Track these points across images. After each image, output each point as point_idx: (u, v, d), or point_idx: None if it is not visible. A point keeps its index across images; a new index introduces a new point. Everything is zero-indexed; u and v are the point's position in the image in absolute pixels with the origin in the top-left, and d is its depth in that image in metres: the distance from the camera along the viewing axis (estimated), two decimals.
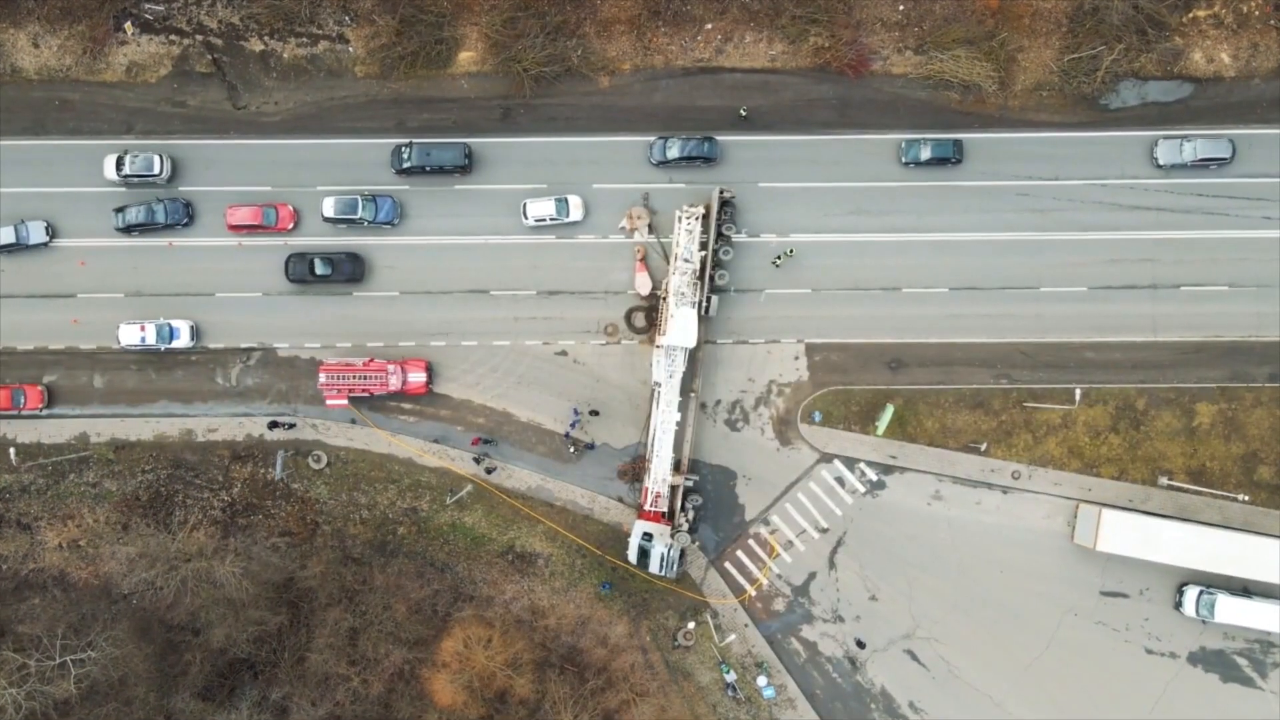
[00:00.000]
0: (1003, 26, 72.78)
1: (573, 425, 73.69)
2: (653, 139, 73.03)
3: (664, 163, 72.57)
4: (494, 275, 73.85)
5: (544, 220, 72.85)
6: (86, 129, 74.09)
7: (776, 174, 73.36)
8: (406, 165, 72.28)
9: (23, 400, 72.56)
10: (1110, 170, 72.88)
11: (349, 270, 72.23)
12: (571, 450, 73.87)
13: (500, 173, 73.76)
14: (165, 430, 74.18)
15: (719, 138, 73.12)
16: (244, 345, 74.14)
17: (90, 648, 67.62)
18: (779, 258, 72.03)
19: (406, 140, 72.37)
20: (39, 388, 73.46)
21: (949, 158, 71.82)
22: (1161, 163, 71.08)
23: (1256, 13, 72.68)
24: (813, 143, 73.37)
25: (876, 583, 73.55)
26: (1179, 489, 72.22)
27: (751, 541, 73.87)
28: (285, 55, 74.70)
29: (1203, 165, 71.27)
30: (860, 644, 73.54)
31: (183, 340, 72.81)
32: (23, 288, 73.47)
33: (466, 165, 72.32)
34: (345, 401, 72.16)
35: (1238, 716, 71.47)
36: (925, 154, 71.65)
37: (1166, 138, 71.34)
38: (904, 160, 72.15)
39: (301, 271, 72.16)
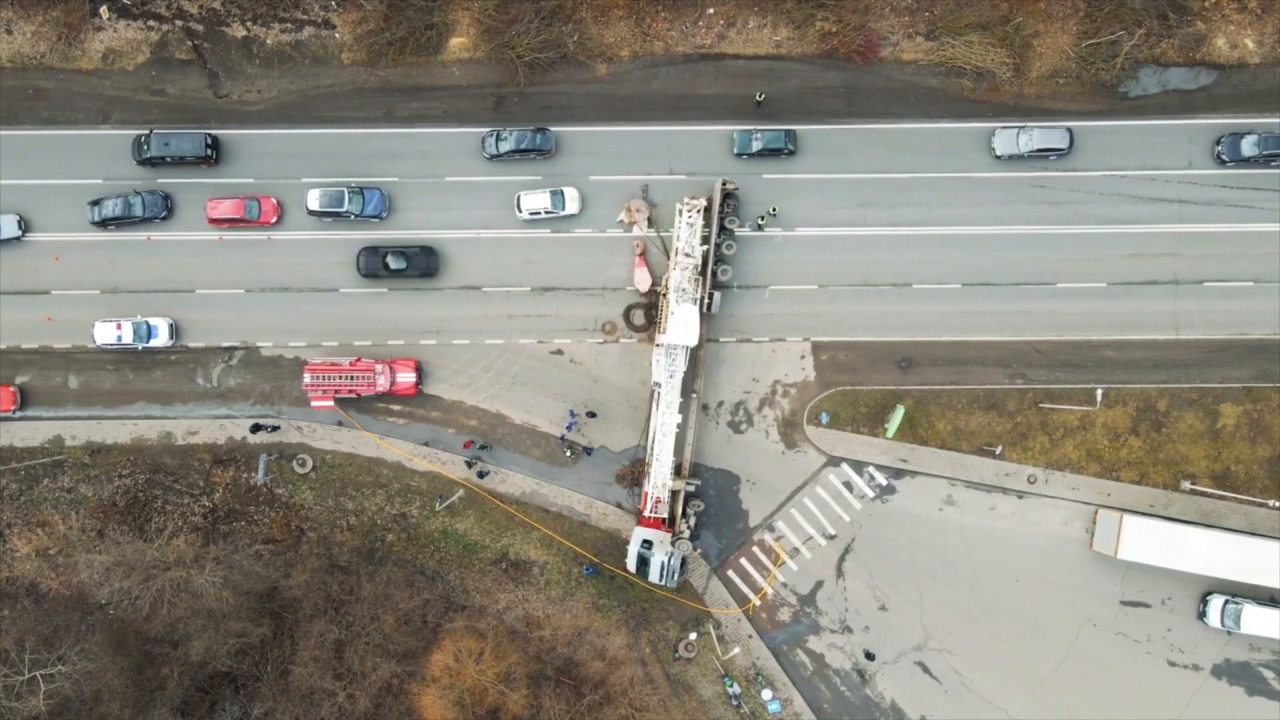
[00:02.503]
0: (1018, 11, 70.90)
1: (569, 428, 71.86)
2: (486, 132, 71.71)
3: (496, 157, 71.10)
4: (487, 271, 72.23)
5: (539, 213, 71.26)
6: (62, 118, 72.31)
7: (781, 165, 71.63)
8: (146, 156, 70.31)
9: None
10: (1130, 161, 71.15)
11: (425, 264, 70.55)
12: (568, 454, 72.03)
13: (493, 164, 72.00)
14: (143, 433, 72.45)
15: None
16: (225, 344, 72.53)
17: (61, 661, 65.76)
18: (762, 218, 70.35)
19: (148, 129, 70.68)
20: (11, 389, 71.63)
21: (781, 149, 69.86)
22: (999, 154, 69.80)
23: None
24: (819, 132, 71.80)
25: (886, 592, 71.74)
26: (1202, 494, 70.51)
27: (756, 549, 72.39)
28: (268, 41, 72.87)
29: (1040, 156, 69.72)
30: (869, 656, 71.90)
31: (161, 339, 71.02)
32: None
33: (210, 156, 70.36)
34: (331, 403, 70.53)
35: None
36: (756, 146, 69.99)
37: (1004, 128, 70.07)
38: (735, 152, 70.27)
39: (375, 266, 70.33)
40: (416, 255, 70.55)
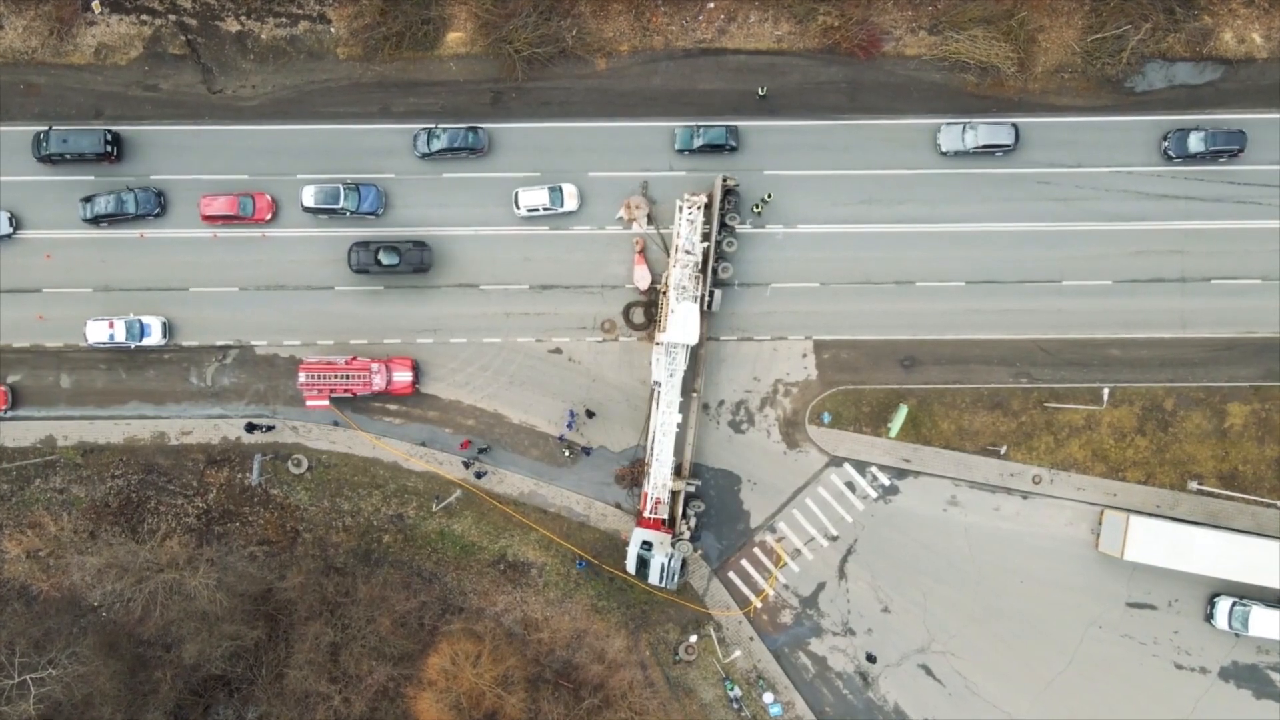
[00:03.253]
0: (1022, 5, 70.07)
1: (569, 427, 71.15)
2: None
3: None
4: (484, 268, 71.49)
5: (537, 210, 70.58)
6: (53, 114, 71.45)
7: (783, 161, 70.91)
8: (45, 153, 69.27)
9: None
10: (1136, 157, 70.44)
11: (418, 259, 69.40)
12: (566, 454, 71.33)
13: (491, 160, 71.43)
14: (136, 433, 71.71)
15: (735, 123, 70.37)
16: (219, 343, 71.80)
17: (52, 665, 64.96)
18: (757, 206, 69.70)
19: (46, 126, 69.72)
20: (2, 388, 70.86)
21: (723, 145, 69.18)
22: (944, 150, 69.25)
23: None
24: (821, 128, 71.03)
25: (889, 594, 71.06)
26: (1210, 494, 69.92)
27: (757, 550, 71.71)
28: (263, 36, 72.11)
29: (987, 152, 69.00)
30: (872, 658, 71.31)
31: (154, 338, 70.23)
32: None
33: (110, 153, 69.38)
34: (327, 402, 69.95)
35: None
36: (698, 142, 69.34)
37: (949, 124, 69.47)
38: (676, 148, 69.70)
39: (366, 261, 69.28)
40: (409, 250, 69.61)
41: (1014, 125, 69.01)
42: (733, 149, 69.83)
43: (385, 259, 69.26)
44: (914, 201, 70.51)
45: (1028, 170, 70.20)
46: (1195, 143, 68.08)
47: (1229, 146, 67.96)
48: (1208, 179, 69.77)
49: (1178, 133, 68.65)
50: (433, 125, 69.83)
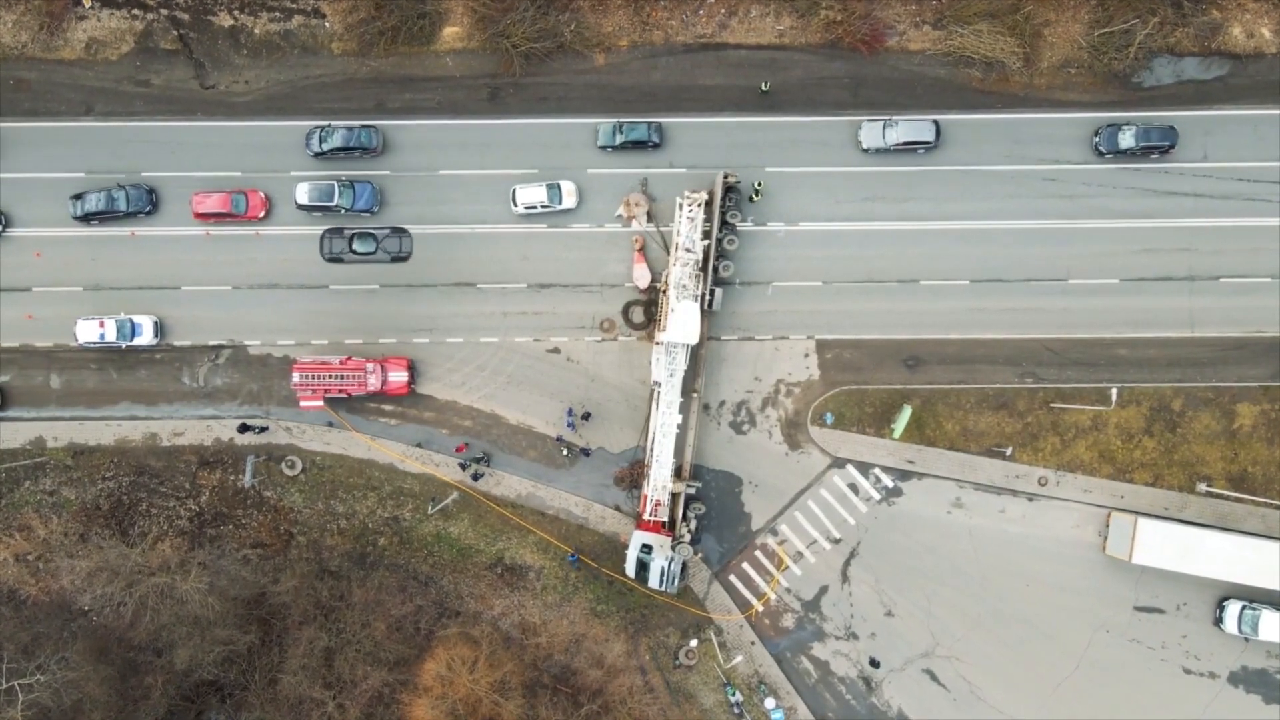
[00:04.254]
0: None
1: (568, 426, 70.52)
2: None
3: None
4: (481, 267, 70.84)
5: (535, 208, 69.91)
6: (43, 110, 70.98)
7: (785, 158, 70.25)
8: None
9: None
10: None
11: (396, 247, 68.06)
12: (564, 453, 70.57)
13: (487, 157, 70.71)
14: (127, 434, 71.08)
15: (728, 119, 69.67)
16: (212, 342, 71.19)
17: (40, 671, 64.25)
18: (756, 193, 69.09)
19: None
20: None
21: (645, 141, 68.73)
22: (865, 147, 68.59)
23: None
24: (824, 124, 70.35)
25: (893, 597, 70.36)
26: (1219, 496, 69.28)
27: (758, 553, 71.03)
28: (256, 31, 71.45)
29: (907, 149, 68.46)
30: (875, 663, 70.69)
31: (146, 337, 69.60)
32: None
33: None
34: (321, 403, 69.20)
35: None
36: (619, 139, 68.69)
37: (870, 121, 68.84)
38: (599, 145, 69.13)
39: (339, 249, 67.83)
40: (386, 237, 68.01)
41: (935, 122, 68.35)
42: (655, 145, 69.10)
43: (360, 246, 67.65)
44: (918, 199, 69.83)
45: (1034, 167, 69.50)
46: (1126, 138, 67.79)
47: (1160, 143, 67.67)
48: (1217, 176, 68.95)
49: (1109, 128, 68.25)
50: (325, 123, 68.91)
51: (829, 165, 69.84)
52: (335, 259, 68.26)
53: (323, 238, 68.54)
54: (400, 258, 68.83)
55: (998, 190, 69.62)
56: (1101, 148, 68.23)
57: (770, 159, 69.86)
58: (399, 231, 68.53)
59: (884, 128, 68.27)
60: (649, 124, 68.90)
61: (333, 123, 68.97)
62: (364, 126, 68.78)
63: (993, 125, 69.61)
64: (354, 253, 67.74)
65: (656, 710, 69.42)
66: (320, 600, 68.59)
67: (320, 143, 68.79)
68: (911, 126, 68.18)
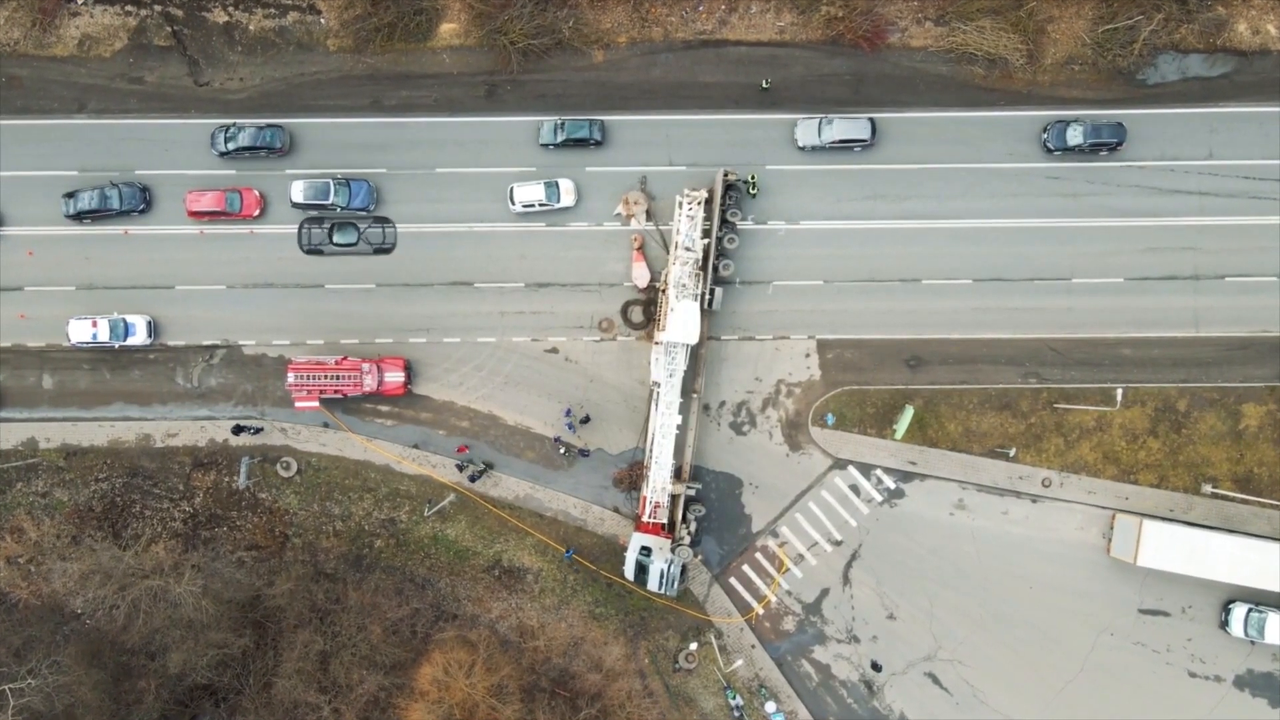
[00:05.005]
0: None
1: (567, 427, 69.89)
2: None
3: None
4: (478, 266, 70.35)
5: (533, 206, 69.40)
6: (36, 107, 70.52)
7: (785, 155, 69.59)
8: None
9: None
10: (1148, 151, 69.20)
11: (379, 237, 66.79)
12: (562, 453, 70.20)
13: (485, 155, 70.15)
14: (121, 435, 70.59)
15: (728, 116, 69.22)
16: (206, 342, 70.72)
17: (32, 675, 63.81)
18: (753, 187, 68.65)
19: None
20: None
21: (588, 139, 68.10)
22: (801, 145, 68.12)
23: None
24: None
25: (895, 600, 69.84)
26: (1224, 497, 68.73)
27: (759, 555, 70.54)
28: (251, 27, 70.91)
29: (844, 147, 67.90)
30: (877, 666, 70.18)
31: (139, 337, 69.09)
32: None
33: None
34: (316, 403, 68.61)
35: None
36: (560, 137, 68.11)
37: (806, 119, 68.28)
38: (540, 143, 68.68)
39: (319, 239, 66.68)
40: (369, 227, 66.84)
41: (870, 120, 67.75)
42: (598, 143, 68.59)
43: (340, 237, 66.52)
44: (920, 197, 69.33)
45: (1037, 165, 68.98)
46: (1074, 135, 67.37)
47: (1108, 140, 67.27)
48: (1221, 174, 68.42)
49: (1057, 125, 67.88)
50: (231, 122, 68.30)
51: (829, 164, 69.19)
52: (314, 250, 67.20)
53: (301, 228, 67.52)
54: (383, 249, 67.95)
55: (1000, 188, 69.11)
56: (1050, 144, 67.85)
57: (771, 157, 69.31)
58: (381, 221, 67.41)
59: (819, 125, 67.74)
60: (590, 121, 68.32)
61: (239, 121, 68.26)
62: (270, 126, 68.05)
63: (996, 123, 69.06)
64: (334, 244, 66.51)
65: (656, 714, 69.02)
66: (315, 603, 68.06)
67: (226, 142, 68.00)
68: (847, 124, 67.67)
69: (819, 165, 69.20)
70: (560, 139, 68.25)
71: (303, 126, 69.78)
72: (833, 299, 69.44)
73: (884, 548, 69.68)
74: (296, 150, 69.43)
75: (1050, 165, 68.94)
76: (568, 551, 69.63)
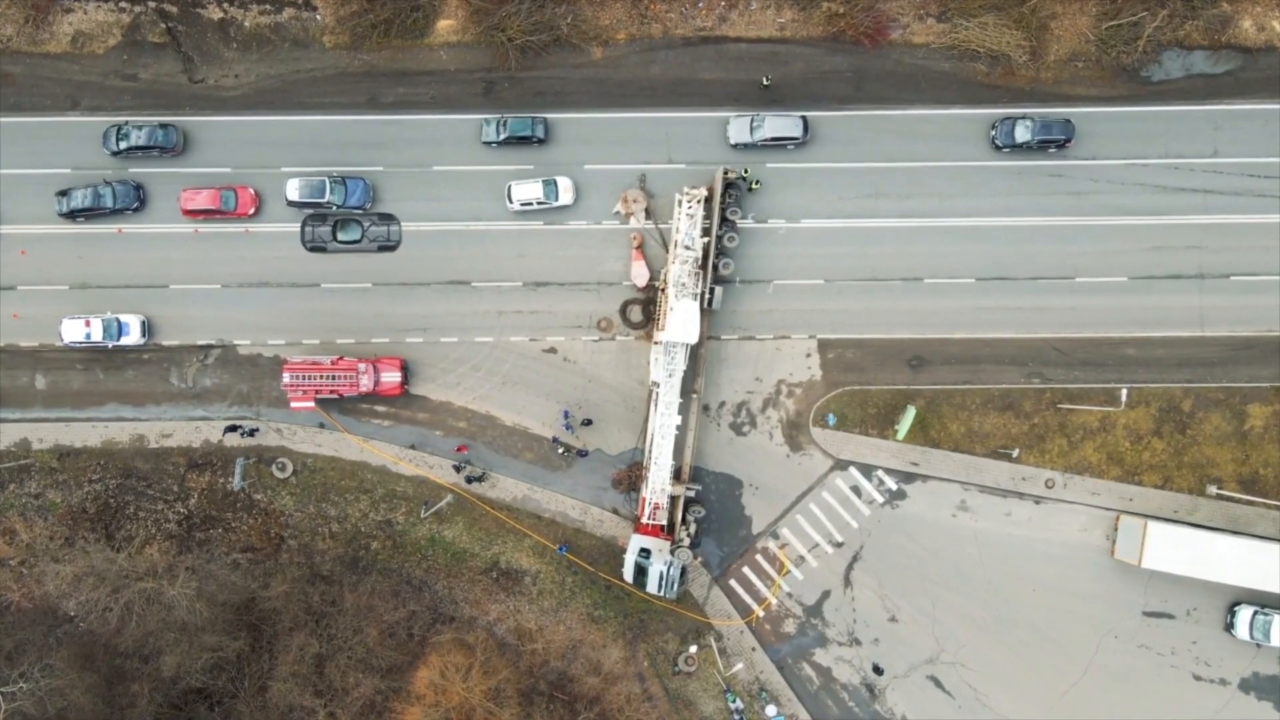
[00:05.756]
0: None
1: (566, 428, 69.29)
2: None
3: None
4: (476, 265, 69.77)
5: (530, 204, 68.83)
6: (28, 105, 69.93)
7: (786, 153, 69.07)
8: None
9: None
10: (1152, 149, 68.77)
11: (383, 235, 66.29)
12: (561, 452, 69.63)
13: (483, 152, 69.44)
14: (114, 436, 69.96)
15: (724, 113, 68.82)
16: (201, 342, 70.12)
17: (24, 679, 63.30)
18: (753, 182, 68.24)
19: None
20: None
21: (529, 136, 67.65)
22: (734, 142, 67.83)
23: None
24: (826, 119, 69.21)
25: (897, 602, 69.35)
26: (1229, 499, 68.19)
27: (759, 557, 69.99)
28: (246, 24, 70.31)
29: (777, 145, 67.67)
30: (878, 670, 69.67)
31: (133, 337, 68.52)
32: None
33: None
34: (312, 404, 68.09)
35: None
36: (501, 135, 67.54)
37: (738, 117, 67.96)
38: (483, 140, 68.08)
39: (322, 236, 66.07)
40: (373, 224, 66.26)
41: (803, 118, 67.36)
42: (540, 141, 68.03)
43: (344, 235, 65.87)
44: (922, 195, 68.82)
45: (1041, 163, 68.44)
46: (1022, 132, 66.97)
47: (1056, 137, 66.89)
48: (1227, 172, 67.90)
49: (1005, 122, 67.47)
50: (124, 121, 67.65)
51: (830, 161, 68.73)
52: (318, 248, 66.61)
53: (304, 225, 66.95)
54: (388, 246, 67.25)
55: (1004, 186, 68.59)
56: (998, 142, 67.40)
57: (771, 155, 68.67)
58: (386, 218, 66.84)
59: (751, 123, 67.28)
60: (532, 119, 67.69)
61: (130, 120, 67.55)
62: (162, 125, 67.43)
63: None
64: (338, 241, 65.90)
65: (655, 718, 68.56)
66: (311, 606, 67.46)
67: (118, 141, 67.26)
68: (780, 122, 67.19)
69: (820, 164, 68.63)
70: (502, 137, 67.64)
71: (298, 124, 69.17)
72: (834, 298, 68.91)
73: (886, 549, 69.15)
74: (192, 149, 68.83)
75: (1051, 163, 68.35)
76: (560, 548, 69.05)
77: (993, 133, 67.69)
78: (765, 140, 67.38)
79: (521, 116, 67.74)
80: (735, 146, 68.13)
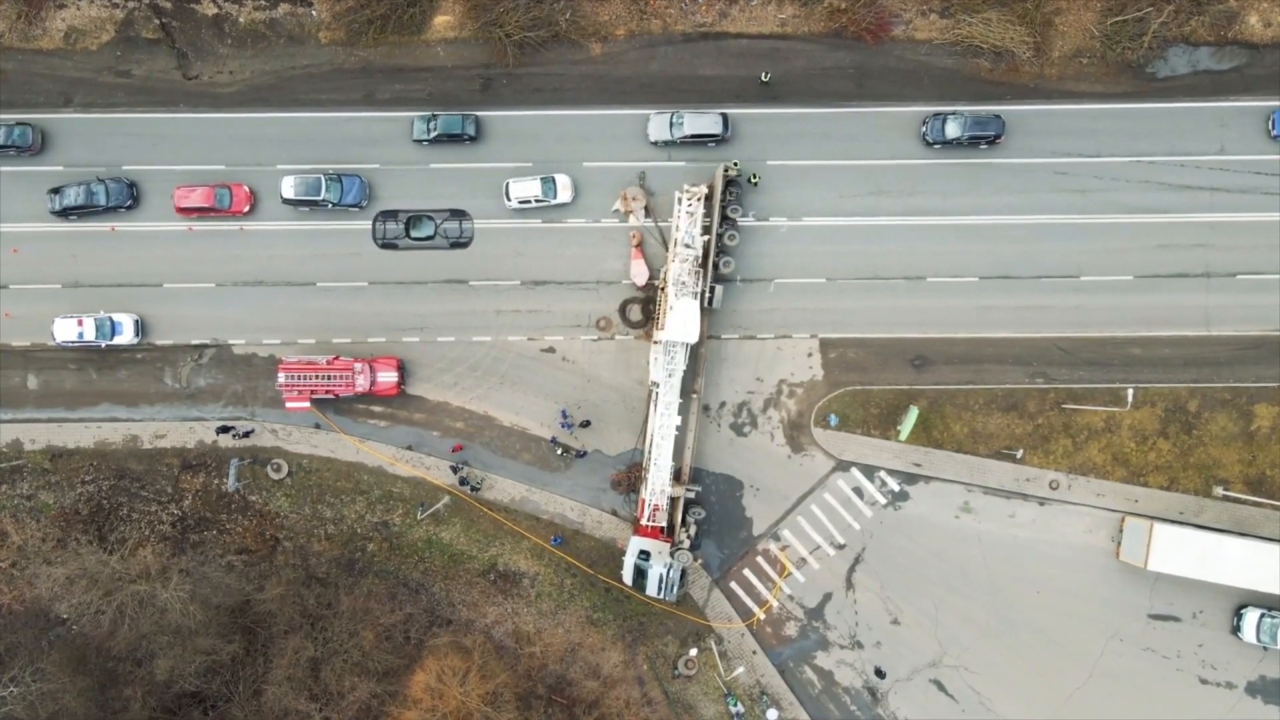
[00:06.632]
0: None
1: (565, 428, 68.65)
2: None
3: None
4: (473, 263, 69.12)
5: (529, 202, 68.29)
6: (21, 101, 69.33)
7: (787, 150, 68.65)
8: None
9: None
10: (1158, 146, 68.15)
11: (456, 232, 66.66)
12: (559, 453, 69.07)
13: (481, 150, 69.02)
14: (107, 436, 69.38)
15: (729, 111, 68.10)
16: (195, 342, 69.59)
17: (14, 683, 62.63)
18: (753, 177, 67.80)
19: None
20: None
21: (459, 134, 66.95)
22: (653, 140, 67.32)
23: None
24: (827, 116, 68.75)
25: (899, 605, 68.89)
26: (1236, 500, 67.61)
27: (760, 559, 69.53)
28: (241, 19, 69.78)
29: (696, 142, 67.15)
30: (881, 673, 69.17)
31: (126, 336, 67.96)
32: None
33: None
34: (307, 404, 67.52)
35: None
36: (432, 133, 66.87)
37: (658, 114, 67.45)
38: (413, 139, 67.32)
39: (394, 233, 66.21)
40: (445, 220, 66.36)
41: (723, 115, 66.76)
42: (471, 138, 67.42)
43: (417, 231, 66.16)
44: (925, 193, 68.26)
45: (1045, 160, 67.91)
46: (952, 128, 66.47)
47: (985, 132, 66.37)
48: (1233, 170, 67.32)
49: (934, 118, 66.97)
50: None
51: (832, 159, 68.19)
52: (389, 245, 66.68)
53: (375, 221, 67.05)
54: (460, 243, 67.36)
55: (1007, 184, 68.02)
56: (929, 138, 66.98)
57: (772, 152, 68.22)
58: (458, 214, 66.90)
59: (669, 120, 66.81)
60: (464, 117, 67.13)
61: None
62: (20, 124, 66.86)
63: (1002, 117, 67.72)
64: (410, 238, 66.36)
65: None
66: (306, 608, 66.81)
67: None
68: (699, 119, 66.62)
69: (820, 161, 68.06)
70: (433, 135, 67.01)
71: (293, 121, 68.61)
72: (836, 297, 68.36)
73: (888, 551, 68.60)
74: (50, 148, 68.13)
75: (1055, 161, 67.78)
76: (555, 539, 68.40)
77: (924, 128, 67.23)
78: (685, 138, 66.84)
79: (452, 115, 67.14)
80: (655, 144, 67.62)
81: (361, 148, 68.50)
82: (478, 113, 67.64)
